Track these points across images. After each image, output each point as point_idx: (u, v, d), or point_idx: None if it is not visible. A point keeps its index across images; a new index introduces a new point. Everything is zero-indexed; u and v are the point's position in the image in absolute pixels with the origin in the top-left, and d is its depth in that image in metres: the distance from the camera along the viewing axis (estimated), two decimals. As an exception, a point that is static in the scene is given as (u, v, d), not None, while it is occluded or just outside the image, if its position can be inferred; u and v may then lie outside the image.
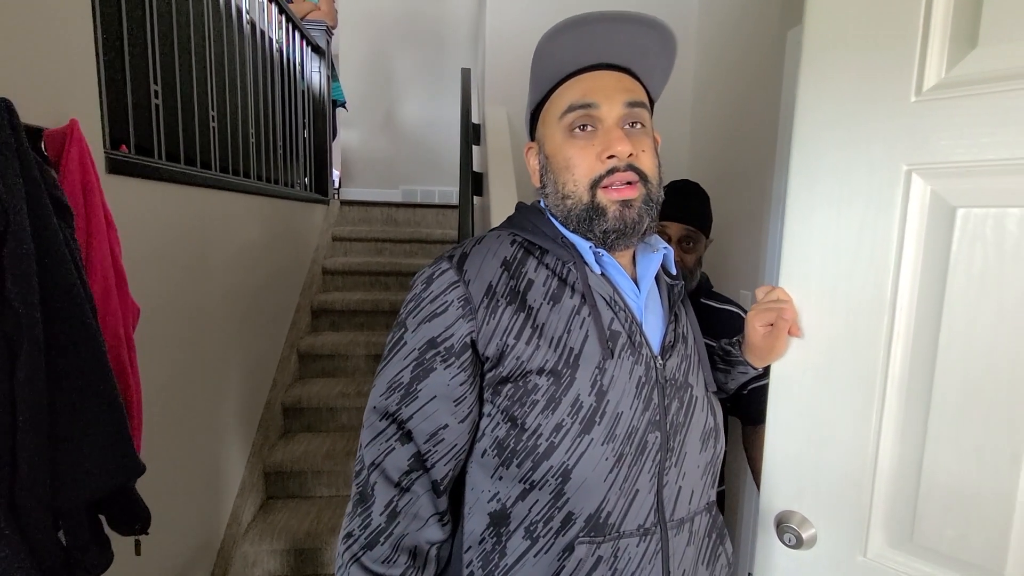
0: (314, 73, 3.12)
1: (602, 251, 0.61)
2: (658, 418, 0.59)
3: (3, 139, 0.78)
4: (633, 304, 0.63)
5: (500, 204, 2.24)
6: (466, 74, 3.20)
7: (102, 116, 1.16)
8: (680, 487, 0.60)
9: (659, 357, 0.62)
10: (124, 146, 1.33)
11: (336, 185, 4.16)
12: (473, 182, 2.59)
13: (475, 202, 2.67)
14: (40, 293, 0.79)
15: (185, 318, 1.54)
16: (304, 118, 3.00)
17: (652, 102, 0.66)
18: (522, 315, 0.58)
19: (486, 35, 2.72)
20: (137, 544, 1.03)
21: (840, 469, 0.66)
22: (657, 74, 0.64)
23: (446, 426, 0.58)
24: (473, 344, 0.58)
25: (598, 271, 0.61)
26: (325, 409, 2.35)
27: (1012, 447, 0.56)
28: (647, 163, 0.60)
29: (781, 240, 1.78)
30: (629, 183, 0.59)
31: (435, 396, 0.58)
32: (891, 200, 0.61)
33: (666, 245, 0.66)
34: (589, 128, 0.60)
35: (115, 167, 1.20)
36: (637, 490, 0.58)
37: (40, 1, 0.97)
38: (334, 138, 3.58)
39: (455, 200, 4.17)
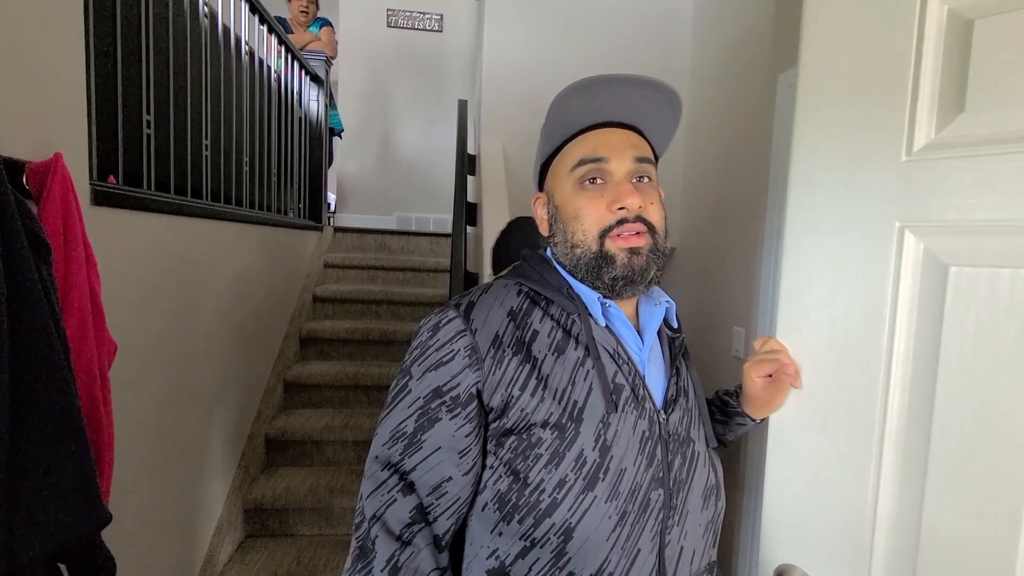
0: (312, 102, 3.15)
1: (609, 303, 0.62)
2: (661, 475, 0.58)
3: None
4: (636, 357, 0.63)
5: (493, 234, 2.24)
6: (463, 105, 3.24)
7: (90, 147, 1.15)
8: (682, 547, 0.59)
9: (662, 411, 0.62)
10: (112, 176, 1.32)
11: (331, 210, 4.17)
12: (467, 212, 2.59)
13: (468, 232, 2.67)
14: (9, 331, 0.76)
15: (169, 350, 1.50)
16: (300, 146, 3.01)
17: (657, 158, 0.68)
18: (527, 366, 0.58)
19: (483, 69, 2.77)
20: None
21: (839, 523, 0.65)
22: (662, 132, 0.67)
23: (450, 478, 0.57)
24: (479, 394, 0.58)
25: (603, 323, 0.62)
26: (310, 442, 2.29)
27: (1011, 505, 0.55)
28: (655, 215, 0.62)
29: (775, 277, 1.77)
30: (637, 232, 0.60)
31: (440, 447, 0.57)
32: (885, 256, 0.62)
33: (668, 299, 0.67)
34: (599, 181, 0.61)
35: (101, 199, 1.18)
36: (639, 550, 0.56)
37: (30, 32, 0.97)
38: (330, 165, 3.60)
39: (449, 228, 4.18)
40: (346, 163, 4.38)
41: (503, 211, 2.35)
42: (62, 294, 0.92)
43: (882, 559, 0.63)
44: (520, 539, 0.56)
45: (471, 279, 2.33)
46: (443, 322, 0.60)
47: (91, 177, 1.16)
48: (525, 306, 0.62)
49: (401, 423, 0.58)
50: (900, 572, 0.62)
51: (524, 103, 2.76)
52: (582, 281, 0.63)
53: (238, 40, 2.13)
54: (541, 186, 0.70)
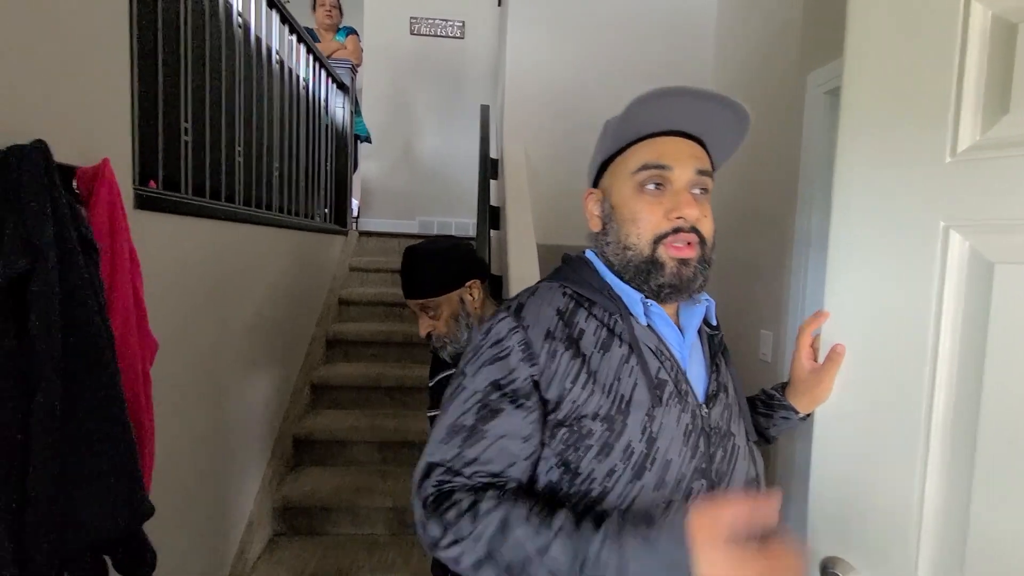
0: (338, 108, 3.22)
1: (651, 302, 0.64)
2: (704, 466, 0.61)
3: (37, 179, 0.80)
4: (678, 354, 0.65)
5: (517, 237, 2.24)
6: (485, 110, 3.27)
7: (133, 153, 1.20)
8: None
9: (704, 406, 0.63)
10: (153, 181, 1.36)
11: (355, 215, 4.24)
12: (490, 216, 2.61)
13: (491, 235, 2.69)
14: (61, 330, 0.79)
15: (203, 350, 1.55)
16: (327, 151, 3.07)
17: (714, 169, 0.70)
18: (578, 361, 0.60)
19: (506, 74, 2.79)
20: None
21: (885, 516, 0.66)
22: (725, 147, 0.68)
23: (514, 464, 0.58)
24: (536, 386, 0.60)
25: (644, 322, 0.64)
26: (336, 443, 2.32)
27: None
28: (707, 228, 0.64)
29: (806, 280, 1.74)
30: (689, 243, 0.62)
31: (504, 435, 0.58)
32: (930, 255, 0.62)
33: (708, 297, 0.69)
34: (659, 187, 0.63)
35: (143, 203, 1.22)
36: None
37: (80, 47, 1.01)
38: (355, 170, 3.66)
39: (471, 232, 4.21)
40: (369, 168, 4.45)
41: (527, 214, 2.36)
42: (108, 294, 0.95)
43: (929, 553, 0.63)
44: None
45: (495, 282, 2.34)
46: (495, 322, 0.63)
47: (134, 182, 1.21)
48: (571, 307, 0.64)
49: (458, 418, 0.59)
50: (948, 567, 0.62)
51: (547, 107, 2.77)
52: (628, 283, 0.65)
53: (269, 50, 2.19)
54: (595, 183, 0.71)
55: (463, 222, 4.51)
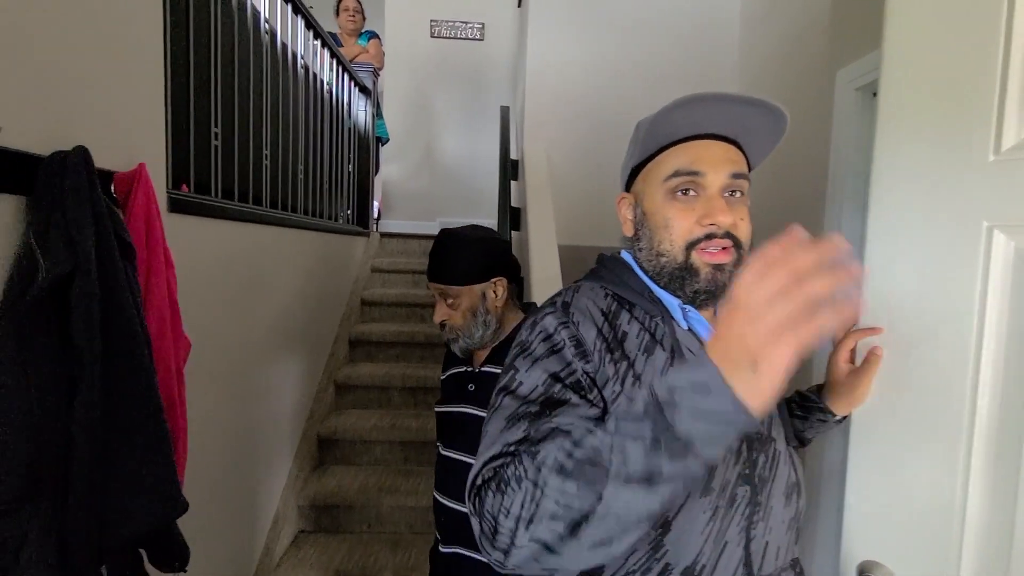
0: (360, 111, 3.26)
1: (689, 307, 0.63)
2: (747, 472, 0.60)
3: (79, 185, 0.82)
4: None
5: (539, 238, 2.24)
6: (505, 112, 3.27)
7: (167, 158, 1.23)
8: (767, 542, 0.60)
9: None
10: (185, 185, 1.40)
11: (376, 217, 4.29)
12: (511, 217, 2.61)
13: (512, 236, 2.69)
14: (101, 331, 0.82)
15: (232, 349, 1.58)
16: (349, 154, 3.11)
17: (751, 170, 0.69)
18: (625, 363, 0.59)
19: (526, 75, 2.79)
20: None
21: (925, 521, 0.64)
22: (762, 148, 0.67)
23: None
24: (594, 383, 0.58)
25: (685, 326, 0.63)
26: (360, 442, 2.35)
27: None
28: (744, 232, 0.62)
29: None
30: (724, 248, 0.61)
31: (573, 423, 0.54)
32: (973, 256, 0.60)
33: None
34: (691, 193, 0.62)
35: (176, 206, 1.26)
36: (726, 543, 0.58)
37: (118, 55, 1.04)
38: (376, 172, 3.70)
39: (491, 233, 4.21)
40: (390, 170, 4.50)
41: (548, 215, 2.36)
42: (144, 295, 0.98)
43: (971, 561, 0.61)
44: None
45: (521, 286, 2.34)
46: (540, 318, 0.62)
47: (167, 186, 1.24)
48: (614, 308, 0.63)
49: (519, 408, 0.55)
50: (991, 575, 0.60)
51: (567, 107, 2.76)
52: (664, 288, 0.64)
53: (294, 55, 2.23)
54: (628, 186, 0.70)
55: (483, 223, 4.52)
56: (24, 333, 0.77)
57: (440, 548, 1.12)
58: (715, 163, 0.61)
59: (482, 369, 1.10)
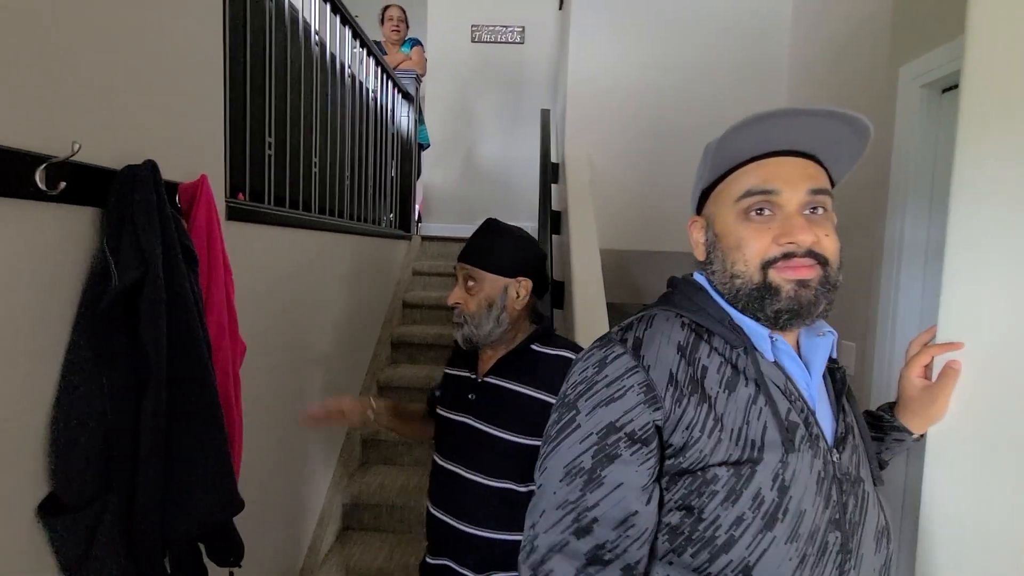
0: (403, 118, 3.32)
1: (777, 337, 0.59)
2: (838, 517, 0.56)
3: (148, 197, 0.87)
4: (806, 393, 0.60)
5: (580, 242, 2.22)
6: (545, 114, 3.26)
7: (225, 169, 1.29)
8: None
9: (834, 450, 0.59)
10: (241, 194, 1.46)
11: (417, 220, 4.36)
12: (552, 220, 2.60)
13: (553, 240, 2.68)
14: (167, 335, 0.86)
15: (281, 352, 1.64)
16: (393, 159, 3.18)
17: (833, 185, 0.64)
18: (704, 406, 0.56)
19: (568, 78, 2.77)
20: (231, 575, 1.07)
21: (1011, 550, 0.60)
22: (843, 161, 0.62)
23: (636, 512, 0.54)
24: (659, 431, 0.56)
25: (771, 359, 0.59)
26: (401, 443, 2.39)
27: None
28: (829, 247, 0.58)
29: (896, 291, 1.61)
30: (806, 266, 0.57)
31: (622, 483, 0.55)
32: None
33: (831, 328, 0.63)
34: (767, 212, 0.58)
35: (233, 214, 1.31)
36: None
37: (182, 73, 1.10)
38: (418, 177, 3.77)
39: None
40: (431, 174, 4.56)
41: (589, 218, 2.34)
42: (205, 300, 1.03)
43: None
44: (694, 572, 0.54)
45: (557, 288, 2.33)
46: (610, 358, 0.59)
47: (226, 195, 1.30)
48: (691, 340, 0.60)
49: (576, 459, 0.56)
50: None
51: (610, 110, 2.73)
52: (743, 312, 0.61)
53: (342, 65, 2.29)
54: (699, 209, 0.67)
55: (522, 226, 4.53)
56: (98, 338, 0.82)
57: (428, 559, 1.10)
58: (791, 180, 0.58)
59: (485, 380, 1.07)
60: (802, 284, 0.56)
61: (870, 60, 1.70)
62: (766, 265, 0.57)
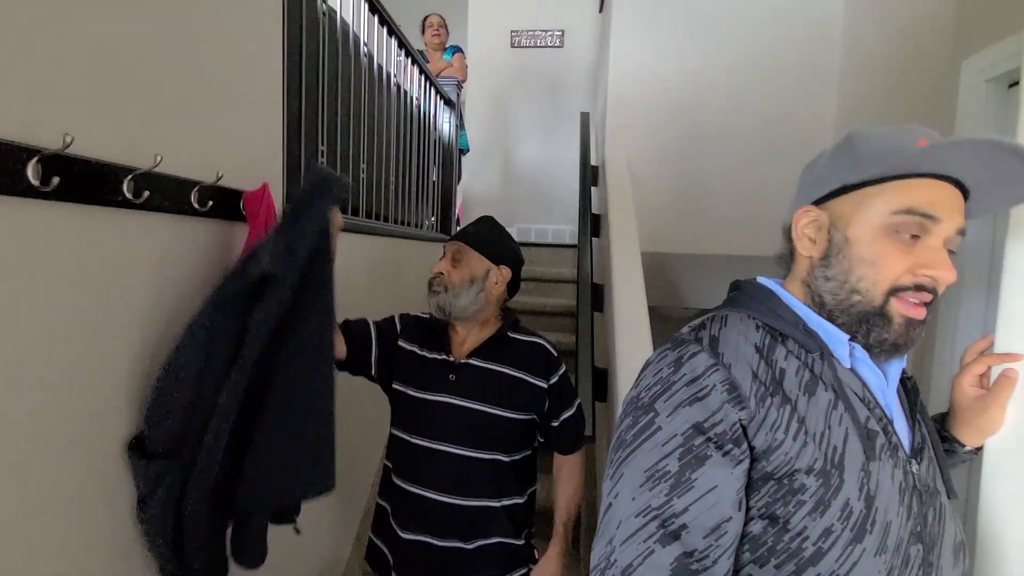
0: (445, 123, 3.39)
1: (857, 345, 0.58)
2: (919, 529, 0.55)
3: (308, 204, 0.97)
4: (883, 401, 0.58)
5: (621, 245, 2.22)
6: (585, 117, 3.27)
7: (283, 176, 1.36)
8: None
9: (913, 460, 0.58)
10: (296, 200, 1.54)
11: (457, 223, 4.43)
12: (591, 223, 2.61)
13: (592, 243, 2.68)
14: (275, 331, 0.93)
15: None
16: (435, 164, 3.25)
17: None
18: (788, 408, 0.54)
19: (608, 81, 2.77)
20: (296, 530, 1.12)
21: None
22: (990, 205, 0.59)
23: (730, 518, 0.52)
24: (745, 432, 0.54)
25: (848, 366, 0.57)
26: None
27: None
28: (942, 288, 0.56)
29: (958, 298, 1.54)
30: (925, 304, 0.55)
31: (716, 486, 0.52)
32: None
33: None
34: (914, 236, 0.55)
35: (290, 219, 1.38)
36: None
37: (247, 90, 1.17)
38: (458, 181, 3.84)
39: (567, 239, 4.21)
40: (470, 177, 4.63)
41: (630, 221, 2.33)
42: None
43: None
44: None
45: (597, 291, 2.33)
46: (686, 356, 0.56)
47: (283, 202, 1.37)
48: (767, 342, 0.58)
49: (659, 462, 0.53)
50: None
51: (650, 112, 2.71)
52: (830, 319, 0.58)
53: (388, 74, 2.37)
54: (818, 201, 0.61)
55: (560, 228, 4.54)
56: (221, 306, 0.90)
57: (401, 535, 1.16)
58: (951, 211, 0.54)
59: (467, 361, 1.17)
60: (912, 324, 0.55)
61: (929, 54, 1.63)
62: (892, 291, 0.55)
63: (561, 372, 1.22)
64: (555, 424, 1.20)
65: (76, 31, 0.73)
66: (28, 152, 0.65)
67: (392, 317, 1.30)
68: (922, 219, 0.54)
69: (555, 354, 1.23)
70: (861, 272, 0.56)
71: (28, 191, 0.66)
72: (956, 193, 0.56)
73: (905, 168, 0.55)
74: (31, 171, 0.66)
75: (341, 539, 1.89)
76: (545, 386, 1.18)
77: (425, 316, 1.30)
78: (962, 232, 0.55)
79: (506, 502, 1.15)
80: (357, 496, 2.01)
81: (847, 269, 0.57)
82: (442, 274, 1.19)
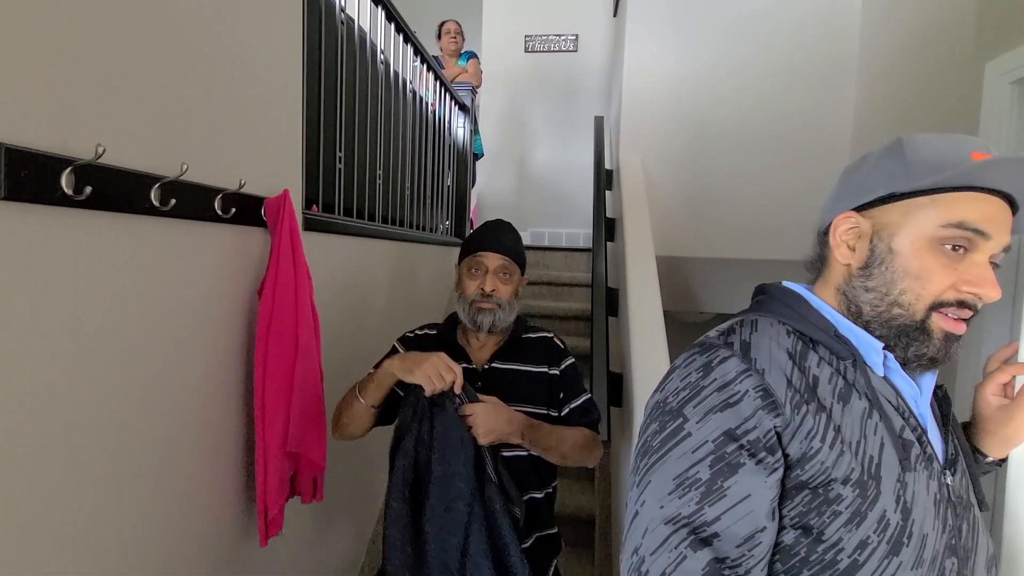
0: (459, 128, 3.42)
1: (889, 353, 0.57)
2: (954, 542, 0.54)
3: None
4: (916, 411, 0.58)
5: (636, 248, 2.21)
6: (599, 121, 3.27)
7: (302, 183, 1.38)
8: None
9: (947, 472, 0.57)
10: (315, 205, 1.56)
11: (470, 227, 4.45)
12: (606, 227, 2.60)
13: (607, 247, 2.68)
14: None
15: (346, 355, 1.73)
16: (449, 169, 3.28)
17: None
18: (823, 415, 0.53)
19: (623, 85, 2.77)
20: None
21: None
22: None
23: (764, 528, 0.51)
24: (779, 440, 0.53)
25: (881, 373, 0.56)
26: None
27: None
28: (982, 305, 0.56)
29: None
30: (965, 320, 0.55)
31: (749, 495, 0.51)
32: None
33: None
34: (961, 251, 0.54)
35: (309, 225, 1.41)
36: None
37: (268, 99, 1.20)
38: (472, 186, 3.86)
39: (580, 243, 4.21)
40: (484, 181, 4.66)
41: (645, 225, 2.32)
42: (293, 304, 1.11)
43: None
44: None
45: (612, 294, 2.33)
46: (716, 361, 0.55)
47: (302, 207, 1.39)
48: (799, 348, 0.57)
49: (689, 469, 0.52)
50: None
51: (665, 116, 2.71)
52: (866, 329, 0.57)
53: (404, 81, 2.40)
54: (861, 207, 0.59)
55: (573, 232, 4.54)
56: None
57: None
58: (1001, 229, 0.54)
59: (492, 366, 1.18)
60: (951, 339, 0.54)
61: (951, 56, 1.60)
62: (934, 306, 0.54)
63: (570, 360, 1.23)
64: (565, 412, 1.21)
65: (107, 46, 0.76)
66: (63, 163, 0.68)
67: (393, 348, 1.28)
68: (972, 234, 0.53)
69: (561, 344, 1.26)
70: (905, 285, 0.55)
71: (62, 200, 0.68)
72: (1006, 209, 0.55)
73: (960, 181, 0.53)
74: (65, 181, 0.68)
75: (359, 539, 1.90)
76: (557, 372, 1.21)
77: (422, 332, 1.31)
78: (1007, 248, 0.54)
79: (537, 494, 1.17)
80: (370, 500, 2.03)
81: (889, 281, 0.56)
82: (494, 291, 1.17)
